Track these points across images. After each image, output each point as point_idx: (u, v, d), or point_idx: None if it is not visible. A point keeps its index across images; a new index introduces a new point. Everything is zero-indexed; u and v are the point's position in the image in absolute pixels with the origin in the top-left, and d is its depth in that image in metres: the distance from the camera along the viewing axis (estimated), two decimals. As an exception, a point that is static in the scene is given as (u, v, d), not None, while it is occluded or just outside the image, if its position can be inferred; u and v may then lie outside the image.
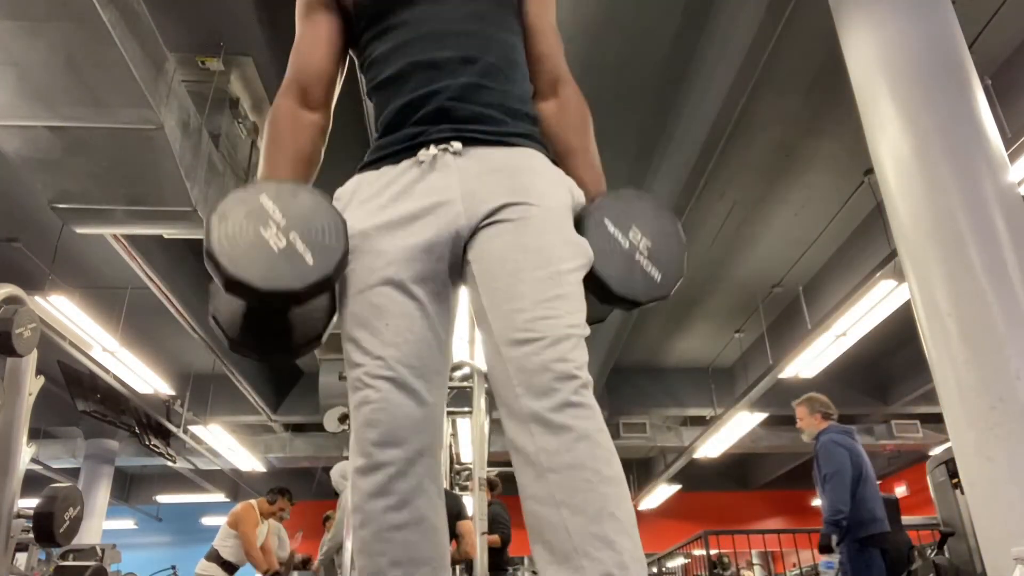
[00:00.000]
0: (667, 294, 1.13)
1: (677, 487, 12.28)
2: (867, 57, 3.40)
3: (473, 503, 3.39)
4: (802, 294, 7.36)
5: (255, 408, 9.18)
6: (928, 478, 4.43)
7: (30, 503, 2.31)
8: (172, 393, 8.33)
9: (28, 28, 3.09)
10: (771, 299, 7.93)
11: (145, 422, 8.44)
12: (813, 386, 8.22)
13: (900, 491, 11.32)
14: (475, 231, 1.05)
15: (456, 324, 1.17)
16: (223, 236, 0.93)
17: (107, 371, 7.20)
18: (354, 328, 1.02)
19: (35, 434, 9.38)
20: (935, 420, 9.65)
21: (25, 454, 2.39)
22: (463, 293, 1.15)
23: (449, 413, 4.73)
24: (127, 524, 13.99)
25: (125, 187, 4.07)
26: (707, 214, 6.32)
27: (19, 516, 2.29)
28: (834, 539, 3.80)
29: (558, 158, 1.19)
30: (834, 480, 3.82)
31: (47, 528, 2.24)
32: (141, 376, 7.46)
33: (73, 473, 10.74)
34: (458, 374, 4.08)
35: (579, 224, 1.10)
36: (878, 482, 4.09)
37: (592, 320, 1.09)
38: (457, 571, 4.49)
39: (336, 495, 5.53)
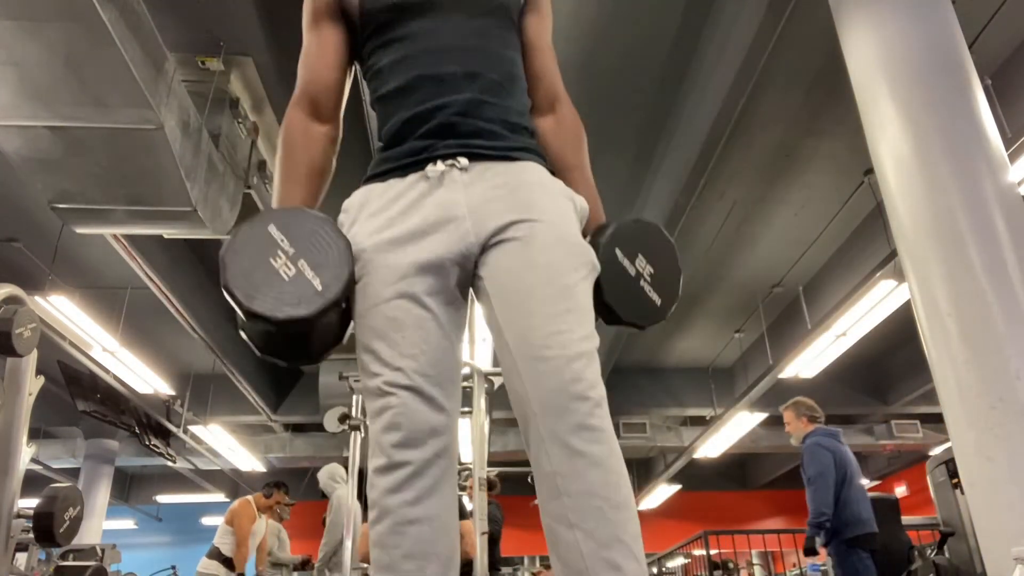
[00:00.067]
0: (665, 317, 1.21)
1: (677, 487, 12.28)
2: (867, 57, 3.40)
3: (473, 503, 3.39)
4: (802, 294, 7.36)
5: (255, 408, 9.18)
6: (928, 478, 4.43)
7: (30, 503, 2.31)
8: (172, 393, 8.34)
9: (28, 28, 3.09)
10: (771, 299, 7.93)
11: (145, 422, 8.44)
12: (813, 386, 8.24)
13: (900, 491, 11.31)
14: (484, 248, 1.09)
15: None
16: (237, 272, 1.01)
17: (107, 371, 7.20)
18: (372, 340, 1.06)
19: (35, 434, 9.39)
20: (935, 420, 9.65)
21: (25, 454, 2.39)
22: (471, 300, 1.19)
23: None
24: (127, 524, 13.99)
25: (125, 187, 4.07)
26: (707, 214, 6.32)
27: (19, 516, 2.29)
28: (818, 541, 3.83)
29: (555, 174, 1.22)
30: (817, 482, 3.87)
31: (47, 528, 2.24)
32: (141, 376, 7.46)
33: (73, 473, 10.74)
34: (458, 374, 4.06)
35: (594, 245, 1.16)
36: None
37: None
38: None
39: (325, 496, 5.53)
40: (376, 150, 1.22)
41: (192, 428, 9.11)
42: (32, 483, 3.01)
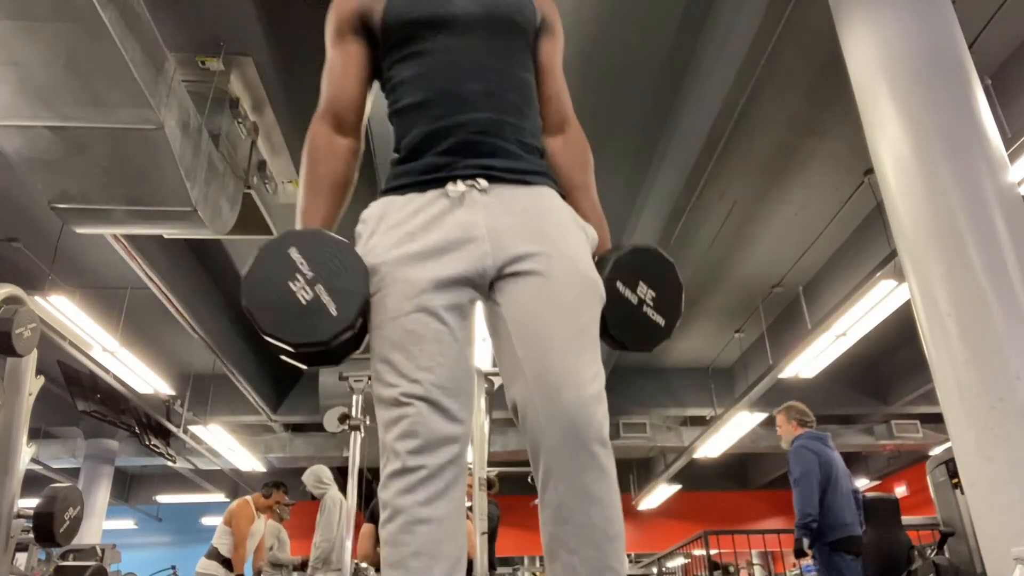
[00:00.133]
0: (669, 336, 1.26)
1: (677, 487, 12.28)
2: (867, 57, 3.40)
3: (474, 503, 3.39)
4: (802, 294, 7.36)
5: (255, 408, 9.18)
6: (928, 478, 4.42)
7: (30, 503, 2.31)
8: (172, 393, 8.33)
9: (28, 28, 3.08)
10: (771, 299, 7.93)
11: (145, 422, 8.44)
12: (813, 386, 8.24)
13: (900, 491, 11.31)
14: (500, 272, 1.13)
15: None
16: (257, 296, 1.07)
17: (107, 371, 7.20)
18: (390, 351, 1.10)
19: (35, 434, 9.39)
20: (935, 420, 9.65)
21: (25, 454, 2.39)
22: (479, 309, 1.24)
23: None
24: (127, 524, 13.99)
25: (125, 187, 4.07)
26: (707, 214, 6.31)
27: (19, 516, 2.29)
28: (805, 542, 3.86)
29: (562, 193, 1.28)
30: (802, 484, 3.92)
31: (47, 528, 2.24)
32: (141, 376, 7.46)
33: (73, 473, 10.74)
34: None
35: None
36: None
37: None
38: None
39: (313, 498, 5.53)
40: (392, 161, 1.25)
41: (192, 428, 9.11)
42: (32, 483, 3.01)
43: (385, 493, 1.06)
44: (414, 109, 1.22)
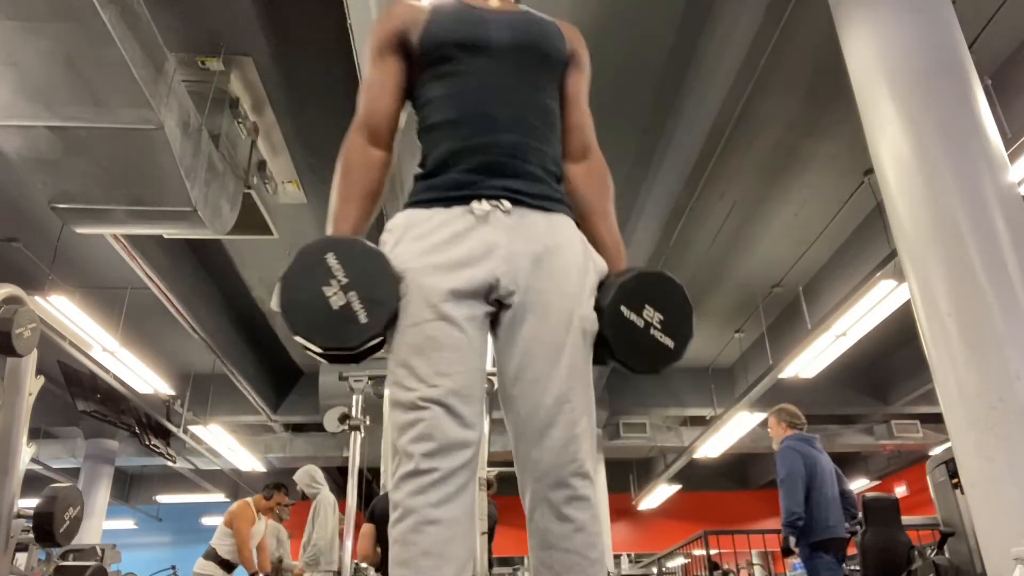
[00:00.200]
0: (680, 358, 1.27)
1: (677, 487, 12.28)
2: (867, 57, 3.40)
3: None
4: (802, 294, 7.36)
5: (255, 408, 9.18)
6: (928, 478, 4.43)
7: (30, 503, 2.31)
8: (172, 393, 8.34)
9: (28, 28, 3.08)
10: (771, 299, 7.93)
11: (145, 422, 8.44)
12: (813, 386, 8.24)
13: (900, 491, 11.31)
14: (507, 299, 1.20)
15: None
16: (292, 299, 1.11)
17: (107, 371, 7.20)
18: (410, 356, 1.14)
19: (35, 434, 9.39)
20: (935, 420, 9.65)
21: (25, 454, 2.39)
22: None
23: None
24: (127, 524, 14.00)
25: (125, 187, 4.07)
26: (707, 214, 6.31)
27: (19, 516, 2.29)
28: (791, 540, 3.92)
29: (582, 217, 1.35)
30: (787, 483, 4.00)
31: (47, 528, 2.24)
32: (141, 376, 7.46)
33: (73, 473, 10.74)
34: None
35: (599, 307, 1.25)
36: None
37: None
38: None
39: (305, 498, 5.53)
40: (416, 176, 1.31)
41: (192, 428, 9.11)
42: (32, 483, 3.01)
43: (397, 494, 1.09)
44: (444, 127, 1.28)
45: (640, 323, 1.24)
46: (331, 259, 1.12)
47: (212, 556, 5.20)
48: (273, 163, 5.54)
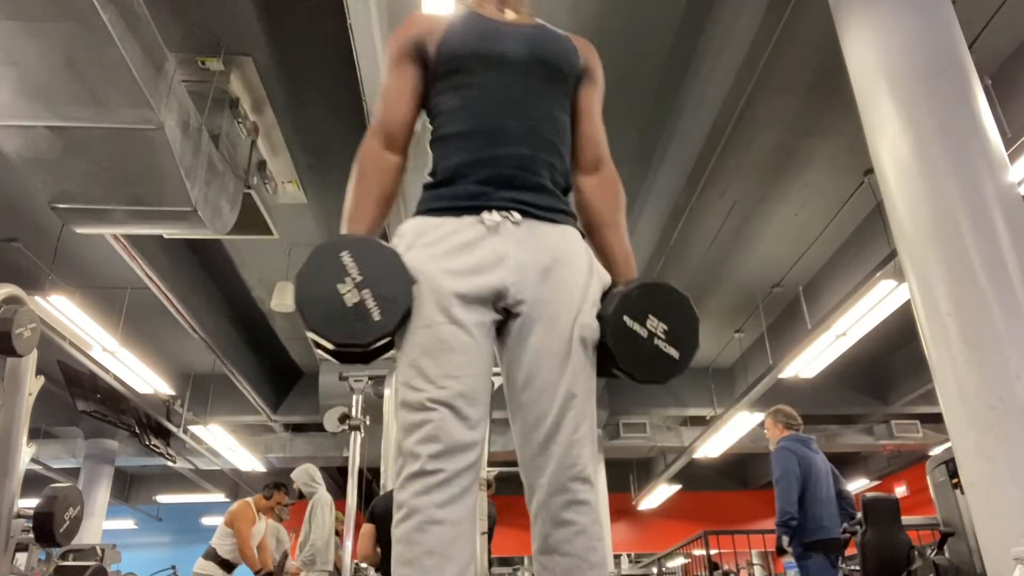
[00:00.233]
0: (684, 369, 1.27)
1: (677, 487, 12.28)
2: (867, 57, 3.40)
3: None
4: (802, 294, 7.36)
5: (255, 408, 9.18)
6: (928, 478, 4.42)
7: (30, 503, 2.31)
8: (172, 393, 8.34)
9: (28, 28, 3.08)
10: (771, 299, 7.93)
11: (145, 422, 8.44)
12: (813, 386, 8.24)
13: (900, 491, 11.31)
14: (515, 308, 1.22)
15: None
16: (307, 295, 1.13)
17: (107, 371, 7.20)
18: (420, 357, 1.16)
19: (35, 434, 9.39)
20: (935, 420, 9.65)
21: (25, 454, 2.39)
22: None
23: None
24: (127, 524, 14.00)
25: (125, 187, 4.07)
26: (707, 214, 6.32)
27: (19, 516, 2.29)
28: (785, 540, 3.96)
29: (593, 228, 1.39)
30: (782, 483, 4.03)
31: (47, 528, 2.25)
32: (141, 376, 7.46)
33: (73, 473, 10.74)
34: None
35: (602, 317, 1.27)
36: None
37: None
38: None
39: (302, 496, 5.52)
40: (425, 185, 1.33)
41: (192, 428, 9.11)
42: (32, 483, 3.01)
43: (402, 494, 1.11)
44: (456, 138, 1.30)
45: (643, 333, 1.24)
46: (346, 257, 1.14)
47: (212, 556, 5.20)
48: (273, 163, 5.54)
